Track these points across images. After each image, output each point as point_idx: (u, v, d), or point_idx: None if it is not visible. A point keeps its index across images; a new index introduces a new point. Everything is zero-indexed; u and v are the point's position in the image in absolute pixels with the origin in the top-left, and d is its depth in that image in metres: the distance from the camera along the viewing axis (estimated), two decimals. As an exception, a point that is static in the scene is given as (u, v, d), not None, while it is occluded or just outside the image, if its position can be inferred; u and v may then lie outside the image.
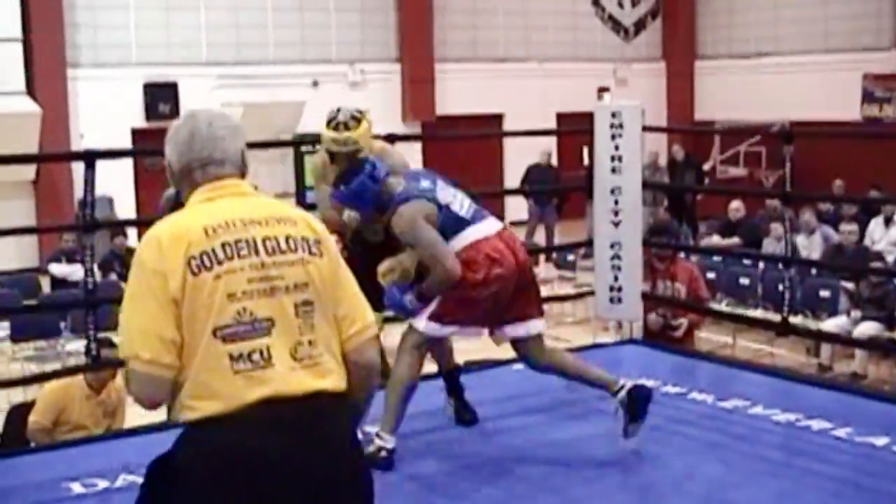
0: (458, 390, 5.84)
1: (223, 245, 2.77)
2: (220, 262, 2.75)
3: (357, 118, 5.77)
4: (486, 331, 5.37)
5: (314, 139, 15.40)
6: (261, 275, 2.78)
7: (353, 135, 5.69)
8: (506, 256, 5.18)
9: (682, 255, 9.90)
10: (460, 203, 5.27)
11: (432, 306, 5.17)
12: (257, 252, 2.79)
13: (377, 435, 5.06)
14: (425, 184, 5.25)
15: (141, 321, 2.74)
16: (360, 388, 2.97)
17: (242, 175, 2.99)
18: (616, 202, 7.43)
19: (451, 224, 5.16)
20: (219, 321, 2.72)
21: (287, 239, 2.85)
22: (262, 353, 2.74)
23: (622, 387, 5.22)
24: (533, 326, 5.35)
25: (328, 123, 5.75)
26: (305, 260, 2.84)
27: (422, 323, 5.19)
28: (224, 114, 3.10)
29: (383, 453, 5.00)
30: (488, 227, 5.28)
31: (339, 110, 5.79)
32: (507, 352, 5.75)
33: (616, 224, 7.43)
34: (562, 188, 18.68)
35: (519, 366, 6.93)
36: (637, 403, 5.19)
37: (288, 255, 2.83)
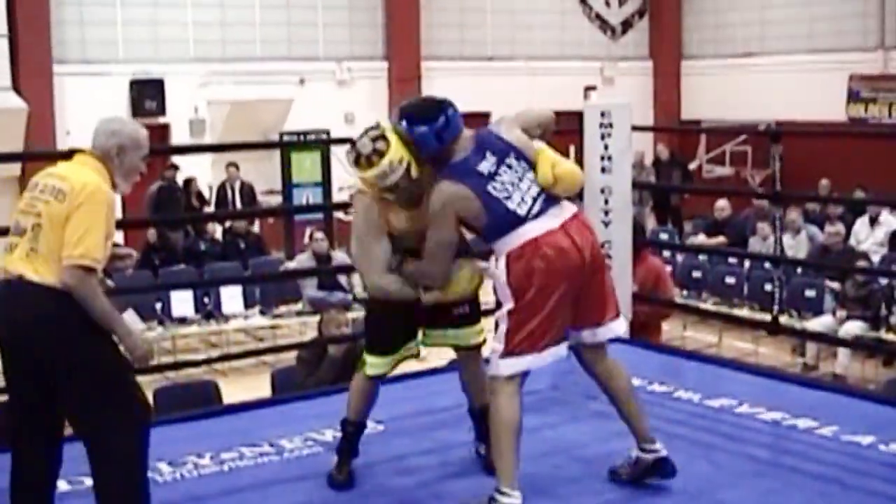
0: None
1: (32, 183, 4.33)
2: (28, 190, 4.33)
3: (382, 135, 4.72)
4: (564, 347, 4.76)
5: (300, 136, 15.30)
6: (30, 203, 4.25)
7: (391, 158, 4.66)
8: (563, 251, 4.55)
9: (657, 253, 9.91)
10: (521, 196, 4.61)
11: (501, 345, 4.59)
12: (35, 189, 4.28)
13: (497, 491, 4.53)
14: (484, 166, 4.63)
15: None
16: (79, 301, 4.11)
17: (109, 159, 4.38)
18: (606, 202, 7.43)
19: (500, 222, 4.56)
20: (10, 223, 4.32)
21: (50, 187, 4.23)
22: (12, 246, 4.24)
23: (656, 451, 4.84)
24: (603, 332, 4.85)
25: (356, 163, 4.73)
26: (47, 201, 4.19)
27: (497, 367, 4.61)
28: (115, 119, 4.63)
29: None
30: (548, 221, 4.59)
31: (353, 143, 4.76)
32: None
33: (606, 224, 7.41)
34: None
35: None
36: (650, 474, 4.87)
37: (44, 196, 4.21)
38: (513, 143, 4.75)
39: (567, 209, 4.70)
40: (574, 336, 4.75)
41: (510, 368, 4.56)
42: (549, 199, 4.66)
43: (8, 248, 4.29)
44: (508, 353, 4.55)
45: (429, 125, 4.63)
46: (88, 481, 4.01)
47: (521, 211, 4.58)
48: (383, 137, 4.66)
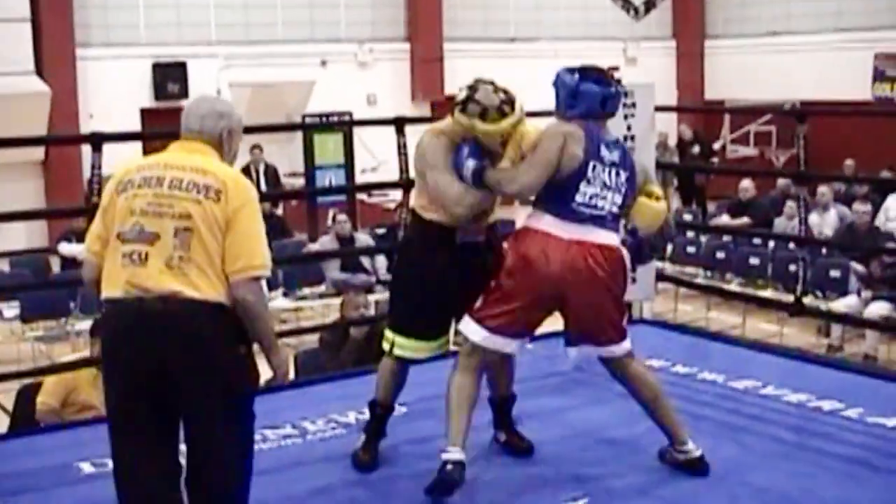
0: (508, 423, 5.32)
1: (141, 178, 3.79)
2: (135, 187, 3.77)
3: (504, 90, 4.80)
4: (526, 341, 4.94)
5: (323, 118, 15.30)
6: (157, 201, 3.72)
7: (517, 111, 4.76)
8: (544, 261, 4.65)
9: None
10: (592, 198, 4.70)
11: (478, 305, 4.79)
12: (161, 185, 3.74)
13: (442, 450, 4.66)
14: (605, 153, 4.75)
15: (93, 225, 3.93)
16: (243, 315, 3.76)
17: (220, 145, 3.95)
18: (630, 182, 7.40)
19: (558, 195, 4.69)
20: (121, 228, 3.75)
21: (190, 182, 3.73)
22: (140, 255, 3.69)
23: (687, 452, 4.86)
24: (603, 352, 4.90)
25: (483, 116, 4.70)
26: (197, 200, 3.70)
27: (466, 326, 4.84)
28: (217, 100, 4.22)
29: (448, 466, 4.57)
30: (573, 230, 4.67)
31: (473, 94, 4.73)
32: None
33: (632, 203, 7.39)
34: None
35: (529, 345, 6.94)
36: (687, 470, 4.88)
37: (182, 193, 3.71)
38: (634, 166, 4.93)
39: (602, 236, 4.72)
40: (581, 348, 4.88)
41: (472, 335, 4.78)
42: (606, 221, 4.75)
43: (126, 258, 3.71)
44: (478, 319, 4.76)
45: (601, 86, 4.78)
46: (111, 463, 3.97)
47: (576, 205, 4.68)
48: (503, 90, 4.75)
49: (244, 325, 3.77)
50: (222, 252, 3.70)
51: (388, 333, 5.03)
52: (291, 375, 4.18)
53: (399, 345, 4.98)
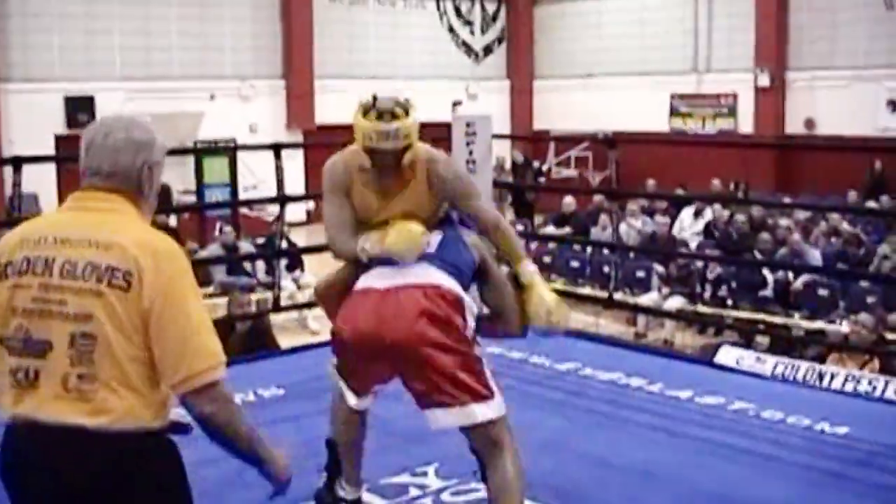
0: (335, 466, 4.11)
1: (25, 259, 2.37)
2: (17, 274, 2.36)
3: (404, 106, 3.80)
4: (368, 399, 3.86)
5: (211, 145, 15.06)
6: (44, 296, 2.33)
7: (403, 126, 3.74)
8: (352, 318, 3.58)
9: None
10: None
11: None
12: (51, 273, 2.33)
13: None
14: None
15: None
16: (206, 432, 2.45)
17: (138, 189, 2.48)
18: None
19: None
20: (4, 331, 2.37)
21: (87, 266, 2.32)
22: (28, 373, 2.33)
23: None
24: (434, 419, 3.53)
25: (365, 113, 3.76)
26: (97, 291, 2.30)
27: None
28: (131, 124, 2.54)
29: None
30: (381, 279, 3.59)
31: (375, 97, 3.80)
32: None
33: (471, 218, 7.40)
34: None
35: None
36: None
37: (78, 283, 2.32)
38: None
39: (422, 275, 3.58)
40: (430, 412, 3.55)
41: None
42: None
43: (12, 376, 2.36)
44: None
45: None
46: None
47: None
48: (406, 104, 3.83)
49: (174, 456, 2.50)
50: (150, 358, 2.35)
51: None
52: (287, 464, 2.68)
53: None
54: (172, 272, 2.36)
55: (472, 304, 3.63)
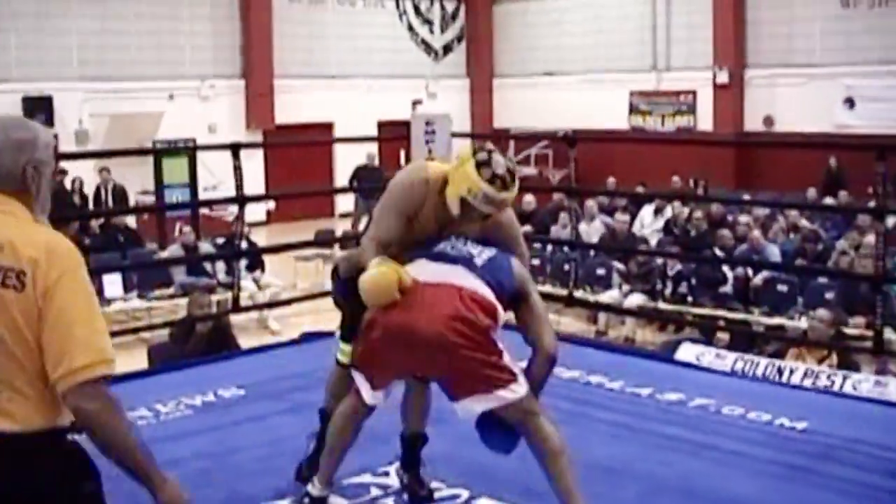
0: (415, 463, 4.29)
1: None
2: None
3: (513, 173, 3.83)
4: (383, 393, 3.84)
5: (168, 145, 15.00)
6: None
7: (510, 196, 3.82)
8: (388, 307, 3.67)
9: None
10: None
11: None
12: None
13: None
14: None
15: None
16: (87, 433, 2.33)
17: (25, 189, 2.41)
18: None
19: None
20: None
21: None
22: None
23: None
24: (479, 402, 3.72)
25: (479, 166, 3.74)
26: None
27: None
28: (10, 124, 2.47)
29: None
30: (423, 273, 3.75)
31: (491, 153, 3.80)
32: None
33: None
34: (376, 187, 18.96)
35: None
36: None
37: None
38: None
39: (462, 278, 3.75)
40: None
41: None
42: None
43: None
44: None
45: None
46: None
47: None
48: (514, 170, 3.85)
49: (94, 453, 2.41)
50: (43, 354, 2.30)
51: (340, 343, 4.20)
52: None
53: (343, 351, 4.11)
54: (63, 269, 2.32)
55: (502, 314, 3.78)
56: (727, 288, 11.20)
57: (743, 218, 12.98)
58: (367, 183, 17.60)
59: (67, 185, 16.18)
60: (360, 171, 18.15)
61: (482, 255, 3.85)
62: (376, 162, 18.35)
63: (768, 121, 19.76)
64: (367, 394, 3.83)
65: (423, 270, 3.77)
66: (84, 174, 16.68)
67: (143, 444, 2.41)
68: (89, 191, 16.80)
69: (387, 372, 3.83)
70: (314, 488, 4.04)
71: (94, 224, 15.14)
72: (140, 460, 2.37)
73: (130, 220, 15.54)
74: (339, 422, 3.96)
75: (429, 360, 3.70)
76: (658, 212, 14.79)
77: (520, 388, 3.73)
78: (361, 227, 17.53)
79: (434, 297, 3.66)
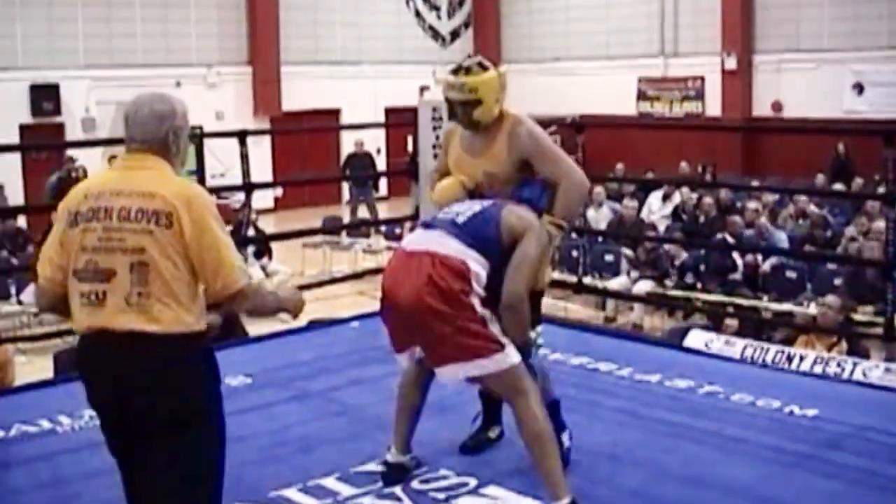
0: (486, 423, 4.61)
1: (89, 209, 3.06)
2: (85, 221, 3.06)
3: (483, 66, 4.23)
4: (407, 356, 4.00)
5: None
6: (108, 236, 3.02)
7: (470, 80, 4.17)
8: (385, 275, 3.95)
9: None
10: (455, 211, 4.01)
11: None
12: (110, 218, 3.03)
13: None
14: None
15: (46, 248, 3.16)
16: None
17: (167, 149, 3.17)
18: (437, 183, 7.42)
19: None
20: (76, 265, 3.06)
21: (138, 211, 3.02)
22: (97, 294, 3.01)
23: None
24: (462, 370, 3.80)
25: (453, 71, 4.26)
26: (148, 230, 3.00)
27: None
28: (154, 99, 3.26)
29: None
30: (411, 242, 3.95)
31: (468, 56, 4.36)
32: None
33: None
34: (382, 173, 19.81)
35: (356, 324, 6.93)
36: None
37: (133, 224, 3.01)
38: None
39: (440, 244, 3.83)
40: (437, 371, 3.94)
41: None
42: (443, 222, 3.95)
43: (84, 298, 3.03)
44: None
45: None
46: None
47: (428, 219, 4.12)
48: (485, 64, 4.25)
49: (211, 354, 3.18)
50: (193, 275, 3.05)
51: None
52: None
53: None
54: (201, 210, 3.05)
55: (482, 272, 3.78)
56: (736, 274, 11.17)
57: (751, 204, 12.93)
58: (359, 171, 17.61)
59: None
60: (352, 158, 18.16)
61: (468, 212, 3.95)
62: (366, 148, 18.32)
63: (776, 106, 19.68)
64: (398, 357, 4.02)
65: (411, 240, 3.97)
66: (91, 162, 16.69)
67: (272, 293, 3.34)
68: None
69: (393, 337, 3.98)
70: (390, 454, 4.23)
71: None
72: (273, 307, 3.29)
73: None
74: (395, 390, 4.22)
75: (410, 329, 3.83)
76: (666, 198, 14.74)
77: (505, 359, 3.75)
78: (360, 215, 17.54)
79: (414, 266, 3.77)
